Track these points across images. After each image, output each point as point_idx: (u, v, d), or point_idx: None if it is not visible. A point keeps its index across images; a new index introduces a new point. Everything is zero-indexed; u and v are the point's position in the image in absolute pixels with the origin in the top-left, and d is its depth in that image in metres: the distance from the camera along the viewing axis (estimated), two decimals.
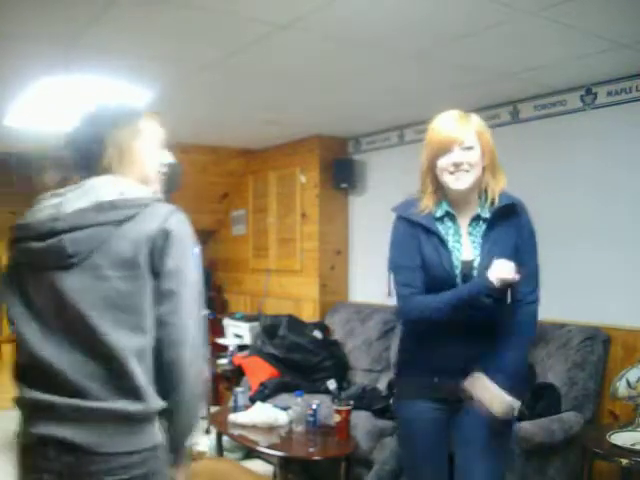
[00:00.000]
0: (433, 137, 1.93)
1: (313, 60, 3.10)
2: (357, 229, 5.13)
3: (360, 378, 4.30)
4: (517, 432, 2.77)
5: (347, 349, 4.51)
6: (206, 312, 1.44)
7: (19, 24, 2.57)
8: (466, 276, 1.86)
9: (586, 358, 3.21)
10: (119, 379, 1.31)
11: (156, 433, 1.36)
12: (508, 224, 1.90)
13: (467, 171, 1.86)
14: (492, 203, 1.90)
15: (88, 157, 1.47)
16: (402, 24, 2.59)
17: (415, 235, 1.93)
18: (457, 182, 1.87)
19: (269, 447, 3.15)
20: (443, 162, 1.88)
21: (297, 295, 5.23)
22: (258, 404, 3.62)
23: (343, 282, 5.16)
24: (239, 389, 3.82)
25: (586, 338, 3.24)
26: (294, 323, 4.59)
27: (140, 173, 1.51)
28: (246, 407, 3.62)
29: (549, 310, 3.55)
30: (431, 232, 1.90)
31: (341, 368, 4.38)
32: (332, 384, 4.16)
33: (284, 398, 3.87)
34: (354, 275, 5.15)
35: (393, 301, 2.00)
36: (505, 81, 3.42)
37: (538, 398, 3.07)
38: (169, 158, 1.66)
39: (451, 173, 1.87)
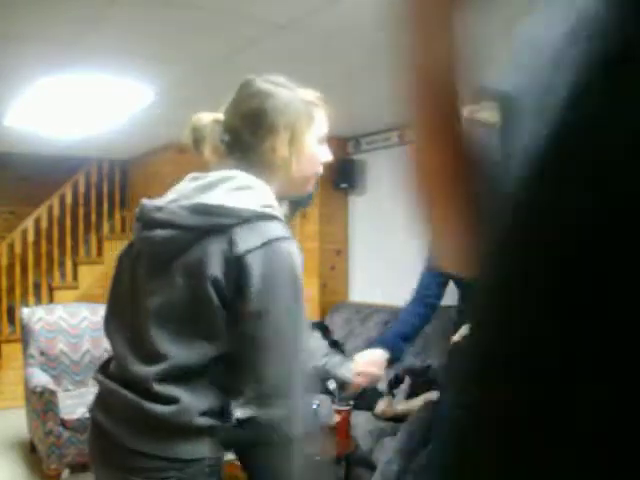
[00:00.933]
0: None
1: (313, 60, 3.10)
2: (357, 229, 5.13)
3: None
4: None
5: (347, 349, 4.51)
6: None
7: (19, 24, 2.57)
8: None
9: None
10: None
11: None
12: None
13: None
14: None
15: (244, 139, 1.25)
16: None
17: None
18: None
19: None
20: None
21: None
22: None
23: (343, 282, 5.16)
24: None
25: None
26: None
27: (299, 170, 1.27)
28: None
29: None
30: None
31: None
32: (332, 384, 4.16)
33: None
34: (354, 275, 5.15)
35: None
36: None
37: None
38: (329, 157, 1.40)
39: None
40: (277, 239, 1.13)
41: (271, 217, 1.15)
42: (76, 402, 3.89)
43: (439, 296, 2.07)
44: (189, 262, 1.12)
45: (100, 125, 4.50)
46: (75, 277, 6.06)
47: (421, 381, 3.48)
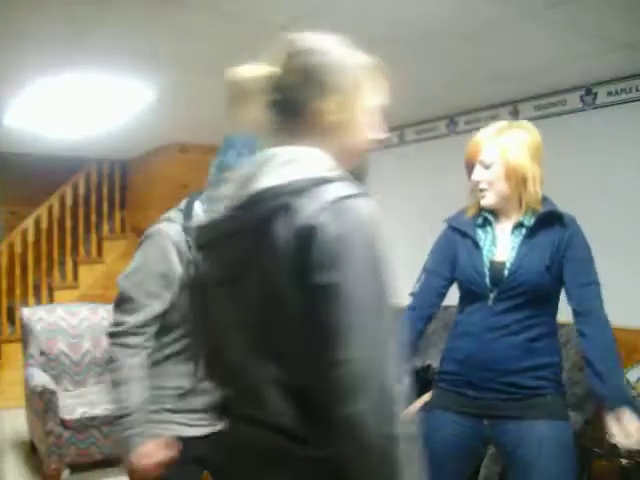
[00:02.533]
0: (465, 154, 1.95)
1: None
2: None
3: None
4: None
5: None
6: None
7: (19, 24, 2.57)
8: (494, 278, 1.83)
9: None
10: None
11: None
12: (549, 234, 1.87)
13: (486, 189, 1.86)
14: (534, 210, 1.90)
15: (296, 98, 1.08)
16: (402, 25, 2.59)
17: (453, 242, 1.96)
18: (482, 199, 1.88)
19: None
20: (470, 178, 1.91)
21: None
22: None
23: None
24: None
25: None
26: None
27: (351, 137, 1.16)
28: None
29: None
30: (467, 236, 1.93)
31: None
32: None
33: None
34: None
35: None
36: (505, 81, 3.42)
37: None
38: (382, 134, 1.25)
39: (476, 190, 1.89)
40: (341, 198, 0.96)
41: (330, 179, 0.99)
42: (76, 402, 3.89)
43: (439, 305, 2.02)
44: (261, 262, 0.98)
45: (100, 125, 4.50)
46: (75, 277, 6.06)
47: (421, 381, 3.47)
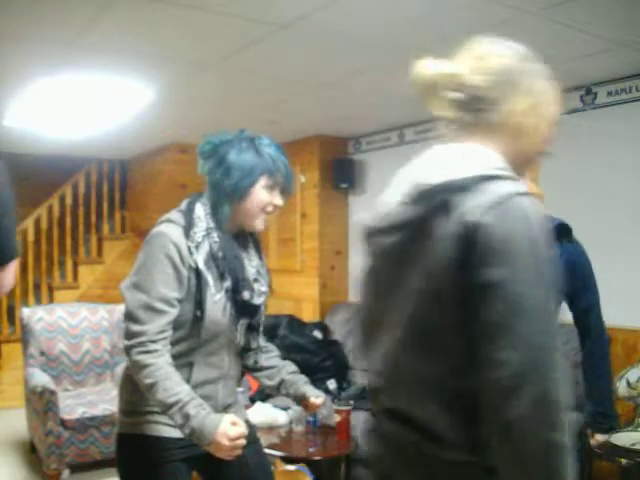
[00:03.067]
0: None
1: (313, 60, 3.10)
2: (357, 229, 5.12)
3: (360, 378, 4.29)
4: None
5: (347, 349, 4.51)
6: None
7: (19, 24, 2.57)
8: None
9: None
10: None
11: None
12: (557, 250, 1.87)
13: None
14: None
15: (484, 97, 1.09)
16: (402, 24, 2.59)
17: None
18: None
19: (269, 447, 3.14)
20: None
21: (297, 295, 5.23)
22: (258, 404, 3.62)
23: (343, 282, 5.15)
24: (239, 389, 3.80)
25: None
26: (294, 323, 4.59)
27: (531, 142, 1.12)
28: (246, 407, 3.62)
29: None
30: None
31: (341, 368, 4.38)
32: (332, 384, 4.16)
33: (284, 398, 3.86)
34: (354, 275, 5.15)
35: None
36: None
37: None
38: (549, 147, 1.18)
39: None
40: (508, 196, 0.94)
41: (498, 177, 0.98)
42: (76, 402, 3.89)
43: None
44: (427, 261, 0.97)
45: (100, 125, 4.50)
46: (75, 277, 6.06)
47: None
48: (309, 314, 5.05)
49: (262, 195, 1.66)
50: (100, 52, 2.92)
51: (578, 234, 3.56)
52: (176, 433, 1.60)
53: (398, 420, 1.03)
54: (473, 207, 0.93)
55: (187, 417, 1.47)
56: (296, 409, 3.34)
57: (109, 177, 6.34)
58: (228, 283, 1.63)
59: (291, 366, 1.95)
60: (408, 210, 1.02)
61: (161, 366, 1.51)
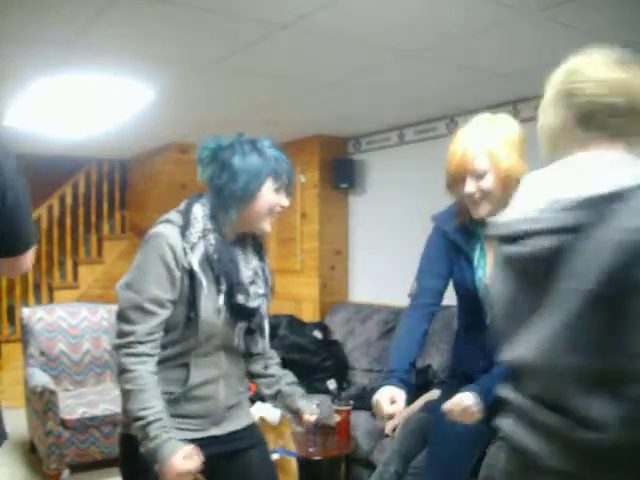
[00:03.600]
0: (447, 164, 1.86)
1: (313, 60, 3.10)
2: (357, 229, 5.13)
3: (360, 378, 4.30)
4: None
5: (347, 349, 4.51)
6: None
7: (19, 24, 2.57)
8: (489, 301, 1.85)
9: None
10: None
11: None
12: None
13: (482, 199, 1.78)
14: None
15: None
16: (402, 24, 2.59)
17: (446, 247, 1.93)
18: (475, 210, 1.81)
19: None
20: (460, 192, 1.82)
21: (297, 295, 5.23)
22: (258, 404, 3.61)
23: (343, 282, 5.16)
24: (240, 389, 3.81)
25: None
26: (294, 323, 4.59)
27: None
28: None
29: None
30: (460, 251, 1.90)
31: (341, 368, 4.38)
32: (332, 384, 4.16)
33: None
34: (354, 275, 5.15)
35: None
36: (505, 81, 3.42)
37: None
38: None
39: (469, 202, 1.81)
40: None
41: None
42: (76, 402, 3.89)
43: (439, 304, 2.01)
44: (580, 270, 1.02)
45: (100, 125, 4.50)
46: (75, 277, 6.06)
47: (421, 381, 3.47)
48: (309, 314, 5.05)
49: (270, 197, 1.66)
50: (100, 52, 2.92)
51: None
52: (178, 434, 1.60)
53: (556, 410, 1.08)
54: (635, 214, 0.99)
55: (147, 436, 1.49)
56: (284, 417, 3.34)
57: (109, 177, 6.33)
58: (223, 286, 1.63)
59: (290, 376, 1.95)
60: (568, 215, 1.05)
61: (142, 375, 1.53)
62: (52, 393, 3.64)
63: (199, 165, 1.74)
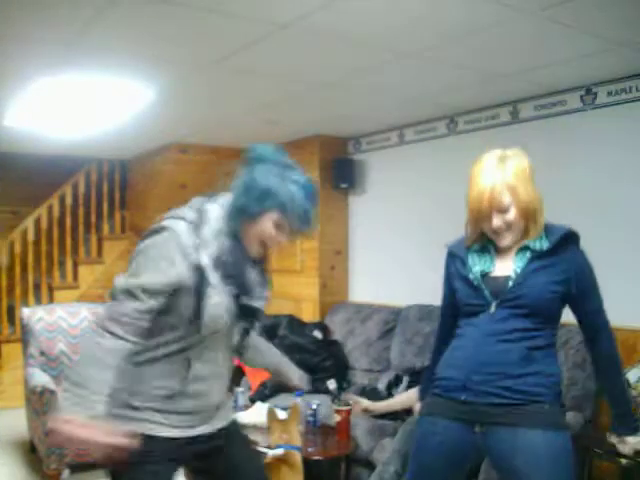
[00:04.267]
0: (470, 202, 1.90)
1: (313, 60, 3.10)
2: (357, 229, 5.12)
3: (360, 378, 4.30)
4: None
5: (347, 349, 4.51)
6: None
7: (20, 24, 2.57)
8: (495, 289, 1.85)
9: (586, 358, 3.20)
10: None
11: None
12: (558, 258, 1.87)
13: (506, 230, 1.86)
14: (540, 236, 1.91)
15: None
16: (402, 24, 2.59)
17: (450, 266, 2.03)
18: (501, 241, 1.89)
19: (269, 447, 3.14)
20: (485, 227, 1.89)
21: (297, 295, 5.23)
22: (258, 404, 3.62)
23: (343, 282, 5.15)
24: (239, 389, 3.82)
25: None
26: (294, 323, 4.59)
27: None
28: (246, 407, 3.62)
29: None
30: (456, 257, 1.98)
31: (341, 368, 4.38)
32: (332, 384, 4.16)
33: (284, 398, 3.87)
34: (354, 275, 5.15)
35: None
36: (505, 81, 3.42)
37: None
38: None
39: (493, 233, 1.89)
40: None
41: None
42: None
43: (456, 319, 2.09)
44: None
45: (100, 125, 4.50)
46: (75, 277, 6.06)
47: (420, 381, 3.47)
48: (309, 314, 5.04)
49: (267, 227, 1.63)
50: (100, 52, 2.92)
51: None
52: (168, 433, 1.62)
53: None
54: None
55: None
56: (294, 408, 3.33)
57: (109, 177, 6.33)
58: (232, 286, 1.63)
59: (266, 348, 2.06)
60: None
61: (107, 351, 1.52)
62: (52, 393, 3.64)
63: (243, 164, 1.69)
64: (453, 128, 4.26)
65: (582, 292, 1.88)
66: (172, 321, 1.62)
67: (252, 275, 1.72)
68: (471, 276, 1.90)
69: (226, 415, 1.83)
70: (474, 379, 1.81)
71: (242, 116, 4.38)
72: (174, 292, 1.58)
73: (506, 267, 1.89)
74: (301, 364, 4.25)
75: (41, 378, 3.82)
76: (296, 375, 1.95)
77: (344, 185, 4.97)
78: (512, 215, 1.84)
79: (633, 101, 3.26)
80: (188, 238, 1.58)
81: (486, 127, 4.02)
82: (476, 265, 1.92)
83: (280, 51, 2.94)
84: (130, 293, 1.55)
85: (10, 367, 5.35)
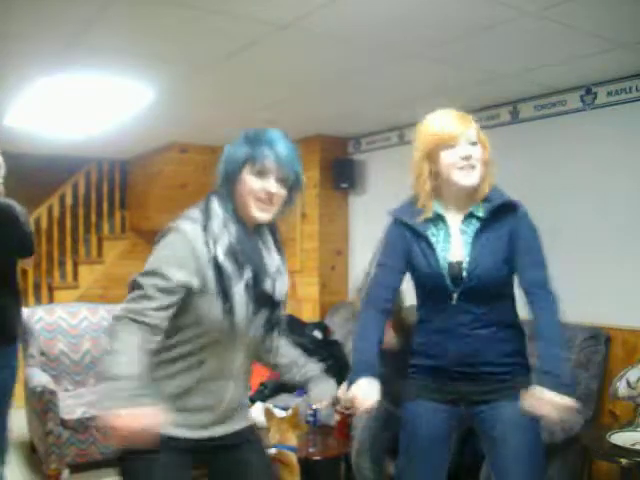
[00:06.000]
0: (435, 131, 1.88)
1: (313, 60, 3.10)
2: (357, 229, 5.13)
3: None
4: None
5: (347, 349, 4.50)
6: None
7: (19, 24, 2.57)
8: (455, 278, 1.83)
9: (590, 358, 3.21)
10: None
11: None
12: (501, 224, 1.85)
13: (474, 166, 1.83)
14: (484, 199, 1.87)
15: None
16: (402, 24, 2.59)
17: (405, 238, 1.93)
18: (467, 178, 1.83)
19: (269, 447, 3.14)
20: (450, 157, 1.84)
21: (297, 295, 5.23)
22: (258, 404, 3.61)
23: (343, 282, 5.15)
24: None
25: (589, 337, 3.24)
26: (294, 323, 4.59)
27: None
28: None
29: None
30: (420, 235, 1.89)
31: (341, 368, 4.37)
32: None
33: (284, 398, 3.87)
34: (354, 275, 5.15)
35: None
36: (505, 81, 3.42)
37: None
38: None
39: (460, 168, 1.83)
40: None
41: None
42: (76, 402, 3.89)
43: (393, 299, 1.99)
44: None
45: (100, 125, 4.50)
46: (75, 277, 6.06)
47: None
48: (309, 314, 5.04)
49: (250, 181, 1.63)
50: (100, 52, 2.92)
51: (577, 234, 3.57)
52: (182, 432, 1.61)
53: None
54: None
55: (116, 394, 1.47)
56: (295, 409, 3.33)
57: (109, 177, 6.33)
58: (249, 274, 1.61)
59: (300, 362, 2.00)
60: None
61: (130, 340, 1.51)
62: (52, 393, 3.64)
63: None
64: None
65: (522, 247, 1.85)
66: (186, 322, 1.61)
67: (271, 263, 1.70)
68: (440, 263, 1.85)
69: (241, 419, 1.79)
70: (459, 370, 1.86)
71: (242, 116, 4.38)
72: (189, 292, 1.58)
73: (458, 246, 1.86)
74: None
75: (41, 378, 3.82)
76: (316, 400, 1.91)
77: (344, 185, 4.97)
78: (480, 150, 1.85)
79: (633, 101, 3.26)
80: (199, 238, 1.58)
81: (486, 127, 3.99)
82: (440, 248, 1.86)
83: (280, 51, 2.94)
84: (145, 292, 1.54)
85: None
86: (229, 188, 1.65)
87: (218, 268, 1.57)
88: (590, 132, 3.46)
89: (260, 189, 1.64)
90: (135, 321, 1.53)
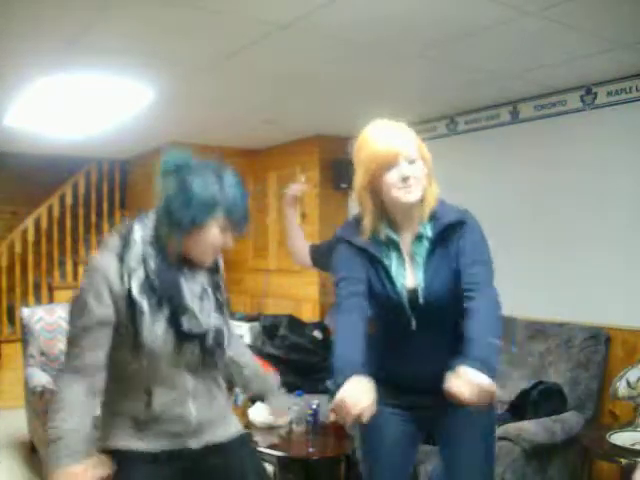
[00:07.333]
0: (375, 151, 1.84)
1: (313, 60, 3.10)
2: None
3: None
4: (516, 431, 2.77)
5: None
6: None
7: (19, 24, 2.57)
8: (413, 302, 1.80)
9: (590, 358, 3.21)
10: None
11: None
12: (450, 241, 1.81)
13: (414, 185, 1.78)
14: (432, 216, 1.83)
15: None
16: (402, 24, 2.59)
17: (359, 258, 1.86)
18: (407, 195, 1.78)
19: (269, 447, 3.14)
20: (390, 177, 1.79)
21: (297, 295, 5.22)
22: (258, 404, 3.61)
23: None
24: (239, 389, 3.81)
25: (589, 337, 3.24)
26: (294, 323, 4.59)
27: None
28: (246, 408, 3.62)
29: (548, 309, 3.56)
30: (375, 260, 1.84)
31: None
32: (332, 384, 4.15)
33: (284, 398, 3.86)
34: None
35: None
36: (505, 81, 3.42)
37: (545, 399, 3.05)
38: None
39: (399, 188, 1.78)
40: None
41: None
42: None
43: (368, 307, 1.88)
44: None
45: (100, 125, 4.50)
46: (75, 277, 6.06)
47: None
48: (309, 314, 5.04)
49: (214, 234, 1.58)
50: (100, 52, 2.92)
51: (577, 234, 3.57)
52: (155, 444, 1.62)
53: None
54: None
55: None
56: (296, 409, 3.34)
57: (109, 177, 6.33)
58: (166, 310, 1.56)
59: (256, 375, 1.98)
60: None
61: (69, 393, 1.66)
62: (52, 393, 3.63)
63: (160, 175, 1.69)
64: (453, 128, 4.26)
65: (464, 249, 1.79)
66: (123, 356, 1.59)
67: (194, 290, 1.64)
68: (398, 289, 1.81)
69: (220, 431, 1.73)
70: (415, 386, 1.86)
71: (242, 116, 4.38)
72: (116, 327, 1.55)
73: (411, 271, 1.82)
74: (301, 364, 4.27)
75: (41, 378, 3.82)
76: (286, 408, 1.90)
77: (344, 185, 4.96)
78: (420, 167, 1.81)
79: (633, 101, 3.26)
80: (114, 272, 1.53)
81: (486, 127, 4.02)
82: (395, 273, 1.82)
83: (280, 51, 2.94)
84: (70, 337, 1.58)
85: (10, 367, 5.35)
86: (186, 230, 1.57)
87: (132, 303, 1.53)
88: (590, 132, 3.46)
89: (220, 243, 1.62)
90: (69, 371, 1.60)
